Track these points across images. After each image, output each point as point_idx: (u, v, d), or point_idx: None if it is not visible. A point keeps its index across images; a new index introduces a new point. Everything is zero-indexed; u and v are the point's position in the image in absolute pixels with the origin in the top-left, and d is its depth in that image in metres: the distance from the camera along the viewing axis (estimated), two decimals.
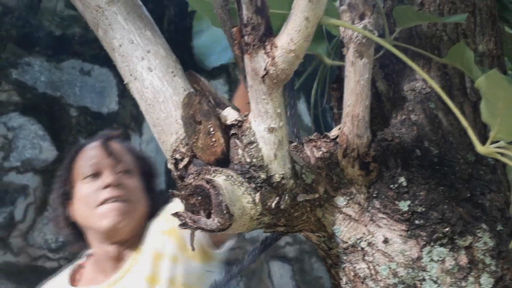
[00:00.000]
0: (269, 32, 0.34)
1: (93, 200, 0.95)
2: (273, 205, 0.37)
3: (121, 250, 0.98)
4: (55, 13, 2.07)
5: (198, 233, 0.35)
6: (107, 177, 0.97)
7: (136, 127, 2.09)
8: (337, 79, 0.51)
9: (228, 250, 1.00)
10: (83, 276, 1.02)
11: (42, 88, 1.97)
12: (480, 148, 0.32)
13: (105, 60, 2.14)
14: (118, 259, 0.98)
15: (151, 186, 1.03)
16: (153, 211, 0.99)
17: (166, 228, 0.97)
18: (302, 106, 2.21)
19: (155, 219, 0.99)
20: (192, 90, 0.41)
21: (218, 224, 0.33)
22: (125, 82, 0.42)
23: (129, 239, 0.97)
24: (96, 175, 0.98)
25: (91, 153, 1.01)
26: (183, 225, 0.34)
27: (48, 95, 1.97)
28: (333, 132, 0.46)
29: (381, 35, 0.44)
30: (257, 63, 0.34)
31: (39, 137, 1.91)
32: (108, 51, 0.42)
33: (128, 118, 2.07)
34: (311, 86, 0.75)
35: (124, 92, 2.07)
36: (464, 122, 0.32)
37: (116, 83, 2.07)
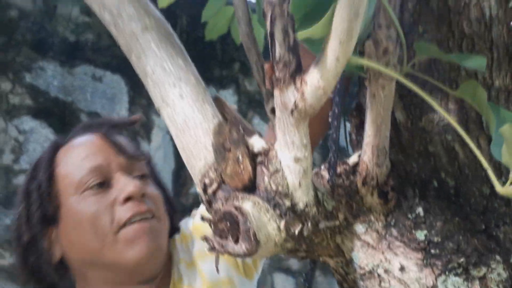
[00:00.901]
0: (300, 69, 0.35)
1: (108, 222, 0.63)
2: (297, 232, 0.39)
3: None
4: (69, 19, 2.10)
5: None
6: (125, 185, 0.64)
7: (145, 134, 2.11)
8: (356, 106, 0.53)
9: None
10: None
11: (55, 92, 2.00)
12: (499, 189, 0.33)
13: (117, 67, 2.16)
14: None
15: (167, 194, 0.73)
16: (173, 227, 0.71)
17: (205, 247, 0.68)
18: None
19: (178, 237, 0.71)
20: (220, 117, 0.43)
21: (245, 250, 0.35)
22: (156, 107, 0.43)
23: (161, 271, 0.67)
24: (103, 183, 0.65)
25: (89, 151, 0.66)
26: (212, 249, 0.36)
27: (60, 99, 2.00)
28: (352, 159, 0.47)
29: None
30: (286, 97, 0.36)
31: (49, 140, 1.94)
32: (140, 77, 0.44)
33: (137, 124, 2.09)
34: None
35: (134, 99, 2.09)
36: (485, 163, 0.34)
37: (127, 90, 2.10)
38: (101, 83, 2.10)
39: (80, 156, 0.67)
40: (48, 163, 0.67)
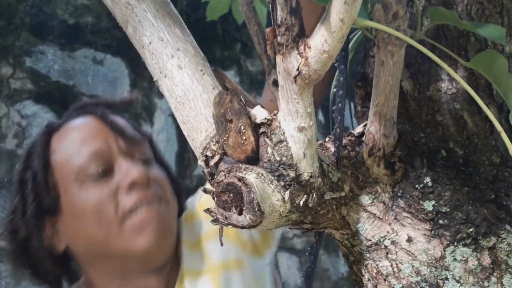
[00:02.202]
0: (303, 33, 0.34)
1: (112, 212, 0.59)
2: (301, 203, 0.38)
3: (165, 279, 0.62)
4: (68, 2, 2.08)
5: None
6: (128, 171, 0.60)
7: (147, 117, 2.10)
8: (362, 77, 0.51)
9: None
10: None
11: (56, 76, 1.99)
12: None
13: (118, 50, 2.14)
14: None
15: (171, 175, 0.69)
16: (180, 208, 0.68)
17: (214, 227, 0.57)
18: None
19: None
20: (221, 88, 0.41)
21: (249, 221, 0.34)
22: (154, 79, 0.42)
23: (171, 257, 0.63)
24: (105, 170, 0.61)
25: (86, 134, 0.62)
26: (215, 221, 0.35)
27: (61, 83, 1.99)
28: (358, 130, 0.46)
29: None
30: (289, 63, 0.35)
31: None
32: (137, 48, 0.43)
33: (139, 107, 2.08)
34: None
35: (135, 82, 2.08)
36: (498, 126, 0.33)
37: (128, 73, 2.08)
38: (102, 66, 2.08)
39: (77, 140, 0.62)
40: (42, 150, 0.63)
